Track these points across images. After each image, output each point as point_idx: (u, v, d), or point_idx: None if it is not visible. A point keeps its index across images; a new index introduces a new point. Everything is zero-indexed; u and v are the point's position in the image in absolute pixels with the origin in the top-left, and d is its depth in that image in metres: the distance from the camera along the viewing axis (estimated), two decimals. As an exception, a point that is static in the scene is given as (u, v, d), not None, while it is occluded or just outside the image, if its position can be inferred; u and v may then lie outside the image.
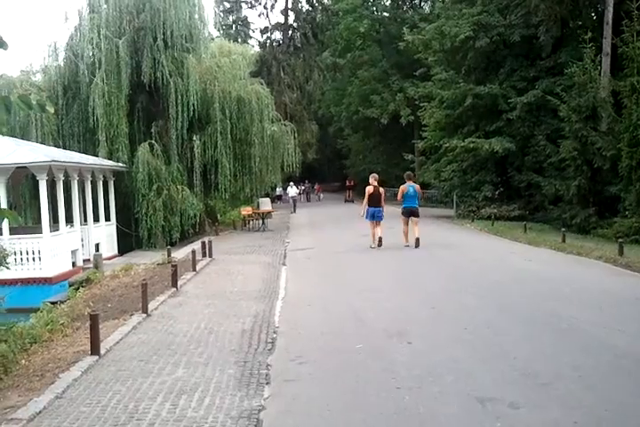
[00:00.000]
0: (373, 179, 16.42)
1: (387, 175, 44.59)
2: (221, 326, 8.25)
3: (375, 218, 16.04)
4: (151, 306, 9.34)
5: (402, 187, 16.29)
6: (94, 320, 6.70)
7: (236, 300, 10.11)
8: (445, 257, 14.52)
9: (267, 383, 5.95)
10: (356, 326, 8.08)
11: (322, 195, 49.75)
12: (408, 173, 17.32)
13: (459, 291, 10.12)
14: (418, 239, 15.65)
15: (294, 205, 33.78)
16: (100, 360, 6.71)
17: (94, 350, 6.75)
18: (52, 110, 4.41)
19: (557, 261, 13.36)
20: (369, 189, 16.19)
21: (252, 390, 5.76)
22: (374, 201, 16.05)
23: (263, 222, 24.68)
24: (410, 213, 16.16)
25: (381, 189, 16.32)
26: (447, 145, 26.14)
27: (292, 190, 34.26)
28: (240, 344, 7.34)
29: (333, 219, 28.58)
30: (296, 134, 26.35)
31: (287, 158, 25.53)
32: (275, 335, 7.74)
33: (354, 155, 54.01)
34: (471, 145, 24.84)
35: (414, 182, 16.66)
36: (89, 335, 7.05)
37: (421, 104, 30.69)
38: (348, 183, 48.22)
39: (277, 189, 42.15)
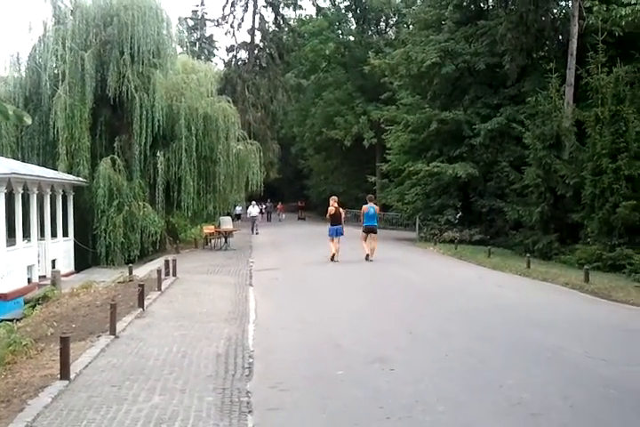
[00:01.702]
0: (333, 201, 18.77)
1: (347, 197, 45.03)
2: (194, 350, 7.94)
3: (337, 234, 18.12)
4: (118, 327, 8.96)
5: (363, 207, 18.67)
6: (65, 343, 6.33)
7: (206, 322, 9.80)
8: (414, 280, 14.52)
9: (249, 412, 5.68)
10: (334, 350, 7.88)
11: (284, 215, 49.64)
12: (370, 195, 19.80)
13: (433, 316, 10.04)
14: (373, 250, 17.96)
15: (256, 226, 33.42)
16: (70, 385, 6.33)
17: (64, 374, 6.37)
18: (29, 121, 4.16)
19: (526, 287, 13.43)
20: (330, 210, 18.47)
21: (234, 419, 5.48)
22: (335, 220, 18.37)
23: (226, 241, 24.38)
24: (369, 231, 18.17)
25: (341, 210, 18.84)
26: (411, 168, 26.33)
27: (254, 209, 33.86)
28: (216, 369, 7.05)
29: (295, 238, 28.63)
30: (261, 154, 26.21)
31: (252, 177, 25.34)
32: (251, 360, 7.47)
33: (315, 175, 54.19)
34: (435, 169, 25.07)
35: (375, 204, 19.03)
36: (55, 358, 6.69)
37: (386, 127, 31.04)
38: (300, 204, 53.78)
39: (237, 208, 41.81)
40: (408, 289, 13.12)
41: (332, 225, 18.24)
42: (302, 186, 60.53)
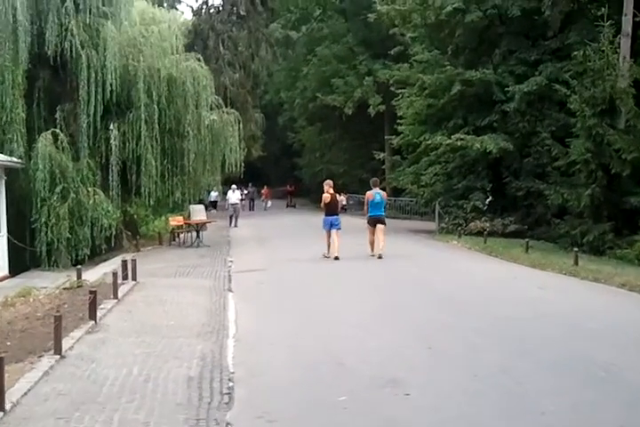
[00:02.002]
0: (328, 186, 19.07)
1: (349, 179, 45.58)
2: (160, 372, 7.96)
3: (333, 226, 18.50)
4: (65, 345, 8.97)
5: (367, 193, 19.06)
6: (-2, 366, 6.33)
7: (174, 337, 9.82)
8: (433, 281, 14.58)
9: (230, 450, 5.72)
10: (335, 371, 7.91)
11: (270, 202, 49.80)
12: (374, 178, 20.10)
13: (458, 326, 10.06)
14: (382, 248, 18.17)
15: (236, 216, 33.48)
16: (4, 418, 6.35)
17: (-3, 404, 6.38)
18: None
19: (573, 290, 13.49)
20: (325, 198, 18.87)
21: (211, 458, 5.52)
22: (331, 209, 18.85)
23: (198, 236, 24.40)
24: (376, 222, 18.53)
25: (338, 197, 19.66)
26: (429, 142, 26.38)
27: (234, 196, 33.81)
28: (188, 396, 7.07)
29: (284, 231, 28.87)
30: (240, 125, 26.22)
31: (229, 155, 25.34)
32: (231, 384, 7.50)
33: (309, 152, 54.39)
34: (458, 143, 25.08)
35: (381, 189, 19.54)
36: (-14, 385, 6.66)
37: (396, 91, 30.99)
38: (288, 188, 55.18)
39: (213, 194, 41.89)
40: (426, 293, 13.15)
41: (326, 215, 18.81)
42: (292, 166, 60.74)
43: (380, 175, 31.19)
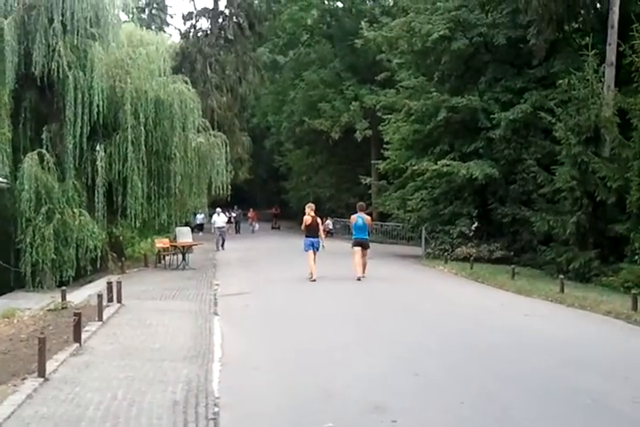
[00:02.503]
0: (310, 209, 19.84)
1: (337, 203, 45.85)
2: (145, 396, 7.91)
3: (314, 248, 19.24)
4: (49, 367, 8.89)
5: (351, 217, 20.33)
6: (-18, 388, 6.25)
7: (159, 360, 9.77)
8: (419, 306, 14.61)
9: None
10: (321, 397, 7.88)
11: (257, 225, 49.79)
12: (360, 203, 20.99)
13: (444, 353, 10.08)
14: (364, 266, 19.21)
15: (223, 239, 33.46)
16: (-13, 443, 6.27)
17: (-20, 428, 6.30)
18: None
19: (560, 317, 13.53)
20: (306, 220, 19.56)
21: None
22: (312, 231, 19.47)
23: (184, 258, 24.36)
24: (358, 244, 19.40)
25: (319, 220, 20.00)
26: (415, 168, 26.53)
27: (220, 219, 33.79)
28: (173, 421, 7.03)
29: (270, 253, 29.10)
30: (227, 148, 26.28)
31: (216, 178, 25.43)
32: (217, 409, 7.46)
33: (295, 176, 54.68)
34: (445, 169, 25.23)
35: (365, 213, 20.19)
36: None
37: (383, 116, 31.27)
38: (274, 211, 57.70)
39: (198, 217, 41.87)
40: (412, 319, 13.16)
41: (307, 237, 19.49)
42: (279, 189, 60.93)
43: (366, 200, 31.24)
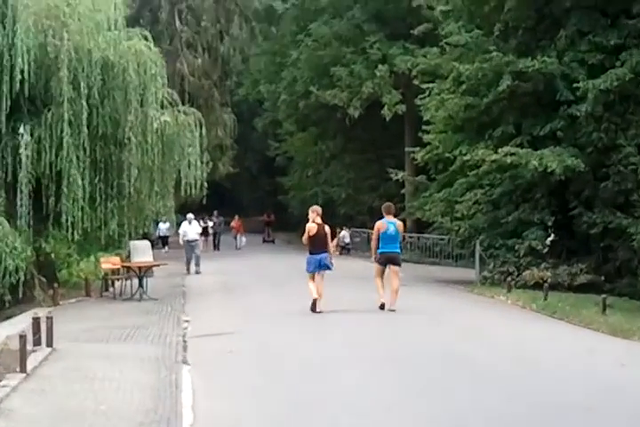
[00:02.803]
0: (315, 214, 19.78)
1: (355, 207, 46.14)
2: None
3: (321, 267, 19.36)
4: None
5: (378, 223, 19.94)
6: None
7: (104, 429, 9.68)
8: (471, 352, 14.37)
9: None
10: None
11: (243, 238, 49.63)
12: (388, 203, 20.92)
13: (509, 415, 9.89)
14: (395, 293, 19.17)
15: (196, 258, 33.14)
16: None
17: None
18: None
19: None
20: (310, 229, 19.50)
21: None
22: (319, 244, 19.46)
23: (141, 285, 24.16)
24: (388, 261, 19.52)
25: (327, 228, 19.78)
26: (467, 158, 26.38)
27: (192, 230, 33.34)
28: None
29: (262, 279, 28.88)
30: (204, 130, 26.25)
31: (187, 172, 25.53)
32: None
33: (298, 169, 55.12)
34: (508, 159, 25.08)
35: (395, 217, 20.28)
36: None
37: (421, 85, 31.03)
38: (266, 218, 58.32)
39: (163, 227, 41.82)
40: (461, 369, 12.97)
41: (312, 253, 19.52)
42: (275, 188, 61.18)
43: (397, 203, 31.11)
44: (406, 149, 37.33)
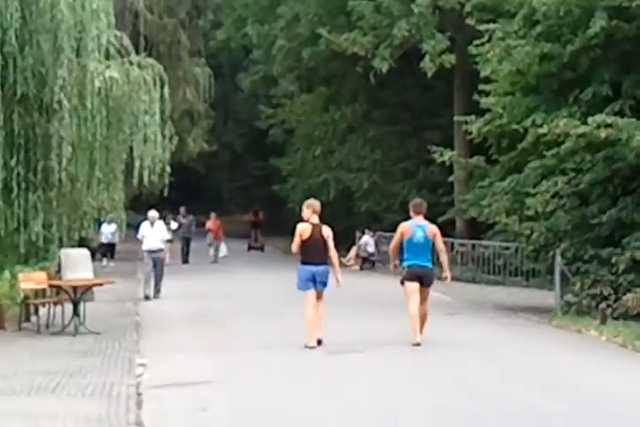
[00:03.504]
0: (311, 211, 20.02)
1: (382, 201, 45.94)
2: None
3: (317, 285, 19.72)
4: None
5: (402, 226, 20.25)
6: None
7: None
8: (548, 410, 14.15)
9: None
10: None
11: (223, 246, 49.29)
12: (417, 200, 21.66)
13: None
14: (421, 320, 19.63)
15: (157, 275, 32.91)
16: None
17: None
18: None
19: None
20: (302, 231, 19.76)
21: None
22: (314, 252, 19.76)
23: (76, 312, 24.08)
24: (417, 278, 19.81)
25: (326, 230, 19.98)
26: (543, 131, 26.31)
27: (155, 234, 33.09)
28: None
29: (247, 305, 29.09)
30: (166, 90, 26.29)
31: (143, 150, 25.77)
32: None
33: (301, 146, 55.51)
34: (602, 133, 25.01)
35: (425, 219, 20.53)
36: None
37: (477, 27, 30.94)
38: (252, 217, 60.47)
39: (106, 229, 41.77)
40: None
41: (305, 263, 19.89)
42: (267, 173, 61.32)
43: (442, 195, 31.01)
44: (456, 117, 37.23)
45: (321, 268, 19.58)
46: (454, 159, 35.86)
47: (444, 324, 19.80)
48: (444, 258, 20.59)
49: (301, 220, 20.15)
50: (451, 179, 38.41)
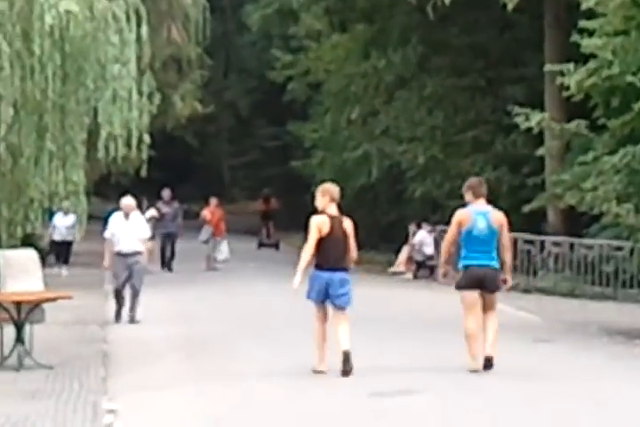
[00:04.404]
0: (327, 198, 20.44)
1: (447, 183, 45.69)
2: None
3: (333, 298, 19.92)
4: None
5: (458, 215, 20.46)
6: None
7: None
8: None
9: None
10: None
11: (225, 245, 49.05)
12: (475, 179, 22.20)
13: None
14: (491, 341, 19.57)
15: (134, 289, 32.71)
16: None
17: None
18: None
19: None
20: (319, 225, 19.98)
21: None
22: (334, 254, 20.11)
23: (20, 338, 24.11)
24: (478, 282, 20.00)
25: (348, 223, 20.46)
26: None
27: (129, 230, 32.84)
28: None
29: (256, 327, 28.77)
30: (144, 29, 26.36)
31: (111, 113, 25.72)
32: None
33: (331, 107, 55.56)
34: None
35: (488, 203, 20.69)
36: None
37: None
38: (264, 205, 62.27)
39: (61, 222, 41.82)
40: None
41: (320, 267, 20.07)
42: (284, 145, 61.58)
43: (529, 175, 30.99)
44: (547, 67, 37.12)
45: (339, 273, 19.69)
46: (545, 125, 35.70)
47: (531, 354, 19.64)
48: (507, 257, 20.52)
49: (315, 211, 20.22)
50: (540, 152, 38.25)
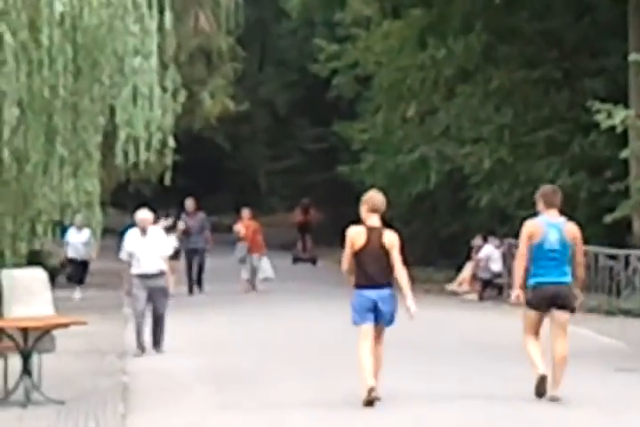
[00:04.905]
0: (369, 209, 20.64)
1: (517, 191, 45.93)
2: None
3: (379, 317, 20.21)
4: None
5: (528, 226, 20.51)
6: None
7: None
8: None
9: None
10: None
11: (267, 262, 48.83)
12: (548, 187, 22.12)
13: None
14: (560, 365, 19.66)
15: (157, 316, 32.49)
16: None
17: None
18: None
19: None
20: (354, 238, 20.34)
21: None
22: (373, 269, 20.29)
23: (26, 370, 24.30)
24: (548, 301, 20.16)
25: (390, 237, 20.55)
26: None
27: (148, 247, 32.63)
28: None
29: (299, 359, 28.70)
30: (167, 19, 26.62)
31: (131, 113, 26.06)
32: None
33: (383, 104, 55.69)
34: None
35: (561, 215, 20.75)
36: None
37: None
38: (302, 216, 62.89)
39: (75, 239, 42.03)
40: None
41: (361, 286, 20.26)
42: (329, 147, 61.69)
43: (608, 181, 31.22)
44: (631, 56, 37.31)
45: (385, 291, 19.79)
46: (629, 123, 35.96)
47: (611, 384, 19.73)
48: (580, 273, 20.53)
49: (356, 221, 20.53)
50: (624, 154, 38.44)
